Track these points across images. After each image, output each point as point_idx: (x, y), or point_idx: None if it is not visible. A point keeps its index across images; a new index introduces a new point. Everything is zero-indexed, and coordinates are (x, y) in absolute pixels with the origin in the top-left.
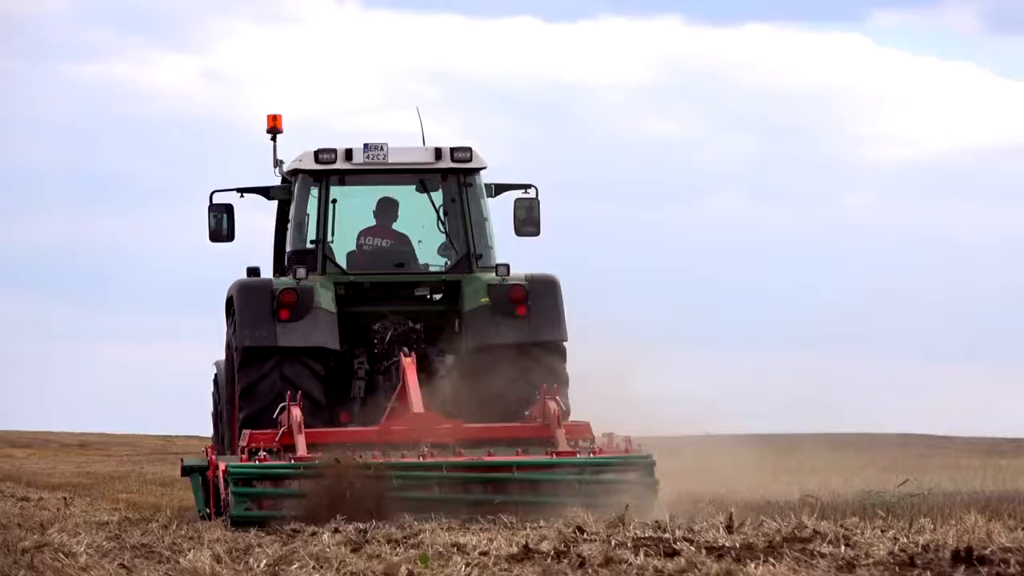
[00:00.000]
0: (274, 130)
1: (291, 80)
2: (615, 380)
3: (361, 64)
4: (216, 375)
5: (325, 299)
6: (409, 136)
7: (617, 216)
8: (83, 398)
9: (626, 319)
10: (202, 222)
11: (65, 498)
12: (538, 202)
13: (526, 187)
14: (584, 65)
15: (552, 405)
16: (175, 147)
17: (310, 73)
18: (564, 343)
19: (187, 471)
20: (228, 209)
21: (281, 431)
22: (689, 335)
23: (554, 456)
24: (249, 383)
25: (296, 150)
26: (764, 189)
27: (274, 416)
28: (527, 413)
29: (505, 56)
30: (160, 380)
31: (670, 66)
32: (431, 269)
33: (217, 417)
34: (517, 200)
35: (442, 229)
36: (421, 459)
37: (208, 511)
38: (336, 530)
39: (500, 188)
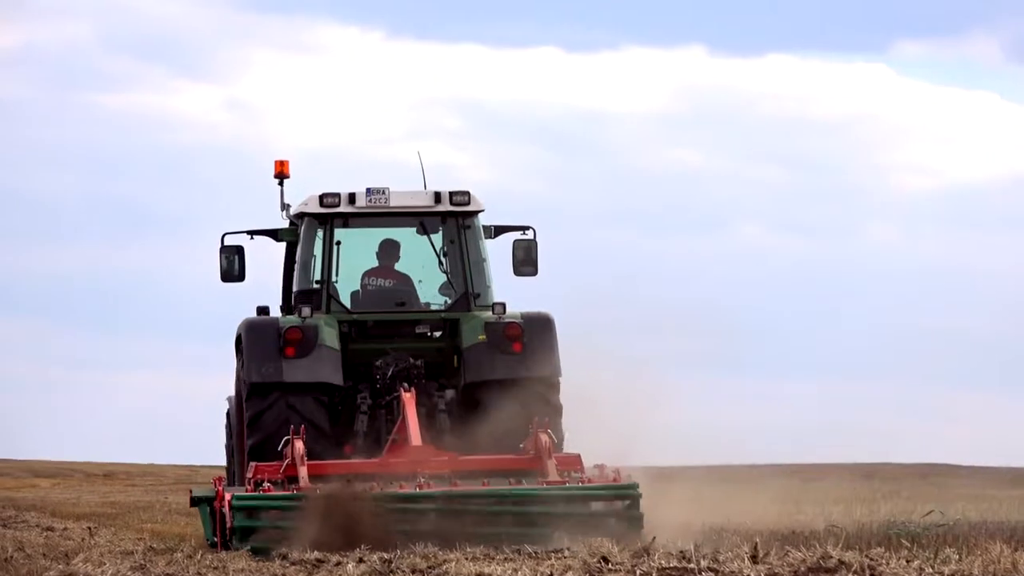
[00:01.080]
0: (281, 175)
1: (315, 109)
2: (637, 410)
3: (385, 93)
4: (228, 409)
5: (329, 337)
6: (434, 166)
7: (640, 245)
8: (108, 428)
9: (648, 349)
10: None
11: (90, 528)
12: (536, 243)
13: (524, 229)
14: (607, 94)
15: (543, 437)
16: (199, 176)
17: (334, 102)
18: (558, 378)
19: (196, 501)
20: (239, 251)
21: (285, 463)
22: (712, 365)
23: (543, 485)
24: (256, 417)
25: (316, 180)
26: (787, 219)
27: (279, 448)
28: (522, 445)
29: (528, 85)
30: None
31: (693, 96)
32: (432, 307)
33: (230, 450)
34: (516, 241)
35: (442, 269)
36: (417, 489)
37: (215, 540)
38: (361, 560)
39: (500, 229)
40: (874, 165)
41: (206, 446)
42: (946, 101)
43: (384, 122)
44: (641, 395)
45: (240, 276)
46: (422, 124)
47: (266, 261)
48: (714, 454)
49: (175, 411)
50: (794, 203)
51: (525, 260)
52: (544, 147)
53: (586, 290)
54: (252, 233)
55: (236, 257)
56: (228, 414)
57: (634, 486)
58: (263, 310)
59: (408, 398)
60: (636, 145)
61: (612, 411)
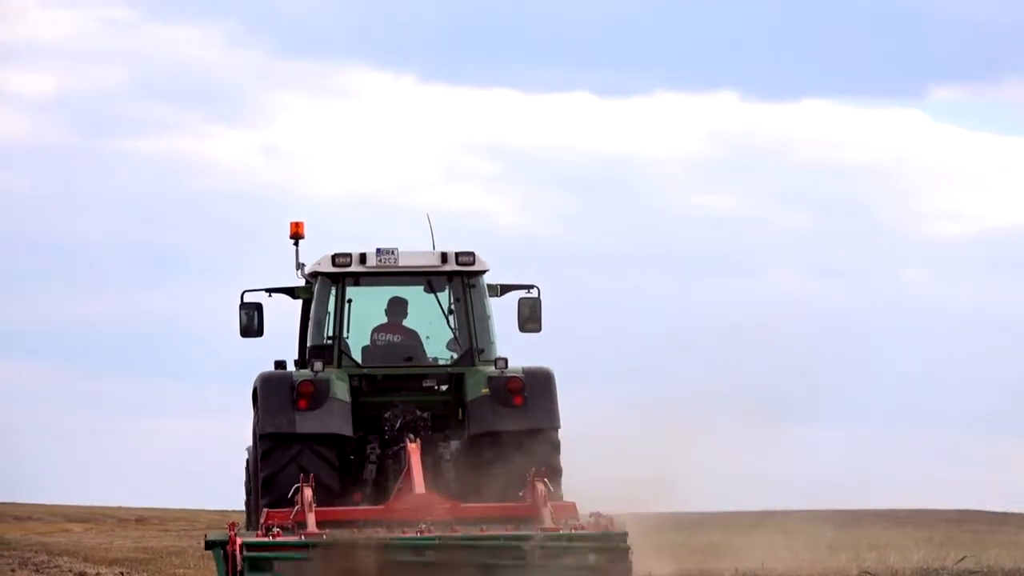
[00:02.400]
0: (296, 236)
1: (349, 154)
2: (666, 455)
3: (418, 138)
4: (247, 459)
5: (340, 390)
6: (467, 210)
7: (672, 289)
8: (140, 472)
9: (680, 393)
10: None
11: (123, 573)
12: (540, 301)
13: (529, 287)
14: (639, 139)
15: (540, 487)
16: (232, 221)
17: (368, 147)
18: (557, 429)
19: (210, 545)
20: (258, 307)
21: (295, 510)
22: (744, 411)
23: (537, 531)
24: (270, 467)
25: (348, 225)
26: (820, 264)
27: (289, 496)
28: (520, 494)
29: (561, 130)
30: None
31: (725, 141)
32: (439, 362)
33: (248, 496)
34: (521, 299)
35: (449, 326)
36: (418, 535)
37: None
38: None
39: (505, 288)
40: (908, 210)
41: (239, 491)
42: (981, 147)
43: (417, 167)
44: (671, 440)
45: (259, 332)
46: (455, 169)
47: (289, 315)
48: (745, 499)
49: (208, 455)
50: (827, 248)
51: (530, 317)
52: (576, 191)
53: (615, 331)
54: (270, 291)
55: (255, 313)
56: (247, 463)
57: (622, 535)
58: (280, 364)
59: (413, 448)
60: (668, 190)
61: (640, 456)
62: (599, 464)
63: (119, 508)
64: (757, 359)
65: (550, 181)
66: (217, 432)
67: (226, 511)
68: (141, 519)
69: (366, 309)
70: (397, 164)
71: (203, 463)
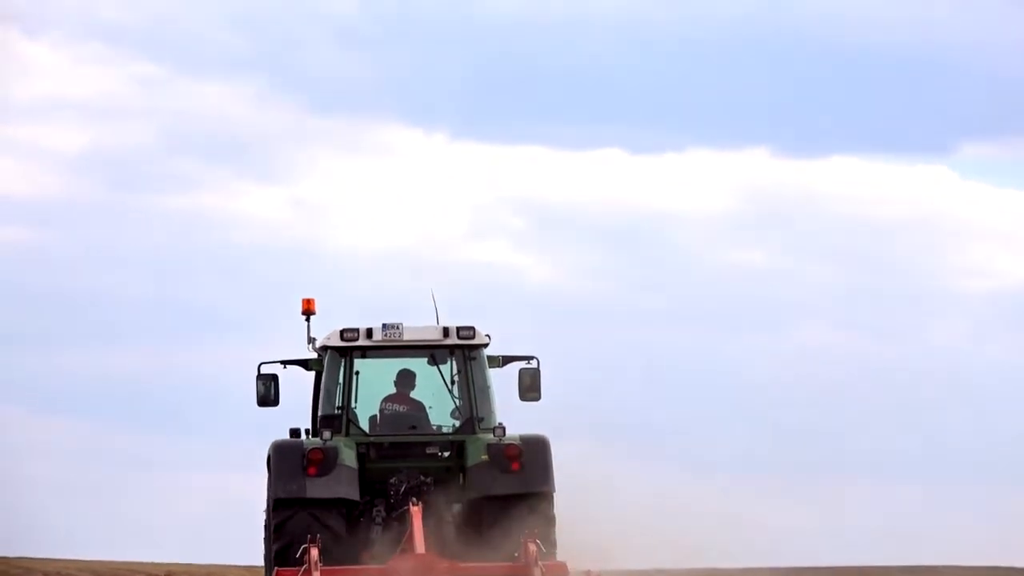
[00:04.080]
0: (308, 312)
1: (379, 210)
2: (701, 513)
3: (448, 194)
4: (264, 522)
5: (348, 457)
6: (496, 266)
7: (703, 345)
8: (168, 528)
9: (706, 449)
10: (281, 353)
11: None
12: (539, 372)
13: (529, 358)
14: (670, 196)
15: (532, 547)
16: (262, 277)
17: (398, 203)
18: (552, 493)
19: None
20: (274, 378)
21: (303, 569)
22: (770, 466)
23: None
24: (280, 526)
25: (378, 282)
26: (850, 320)
27: (296, 556)
28: (516, 554)
29: (592, 186)
30: (244, 510)
31: (756, 196)
32: (442, 430)
33: (266, 554)
34: (522, 370)
35: (451, 396)
36: None
37: None
38: None
39: (507, 359)
40: (937, 266)
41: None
42: (1009, 203)
43: (447, 223)
44: (691, 494)
45: (275, 402)
46: (485, 225)
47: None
48: (769, 554)
49: (235, 511)
50: (857, 304)
51: (530, 387)
52: (607, 247)
53: (647, 384)
54: (285, 363)
55: (271, 384)
56: (265, 525)
57: None
58: (295, 432)
59: (415, 511)
60: (700, 246)
61: (670, 513)
62: (620, 521)
63: (147, 564)
64: (786, 415)
65: (581, 237)
66: (245, 488)
67: (252, 566)
68: (169, 574)
69: (373, 380)
70: (426, 220)
71: (231, 519)
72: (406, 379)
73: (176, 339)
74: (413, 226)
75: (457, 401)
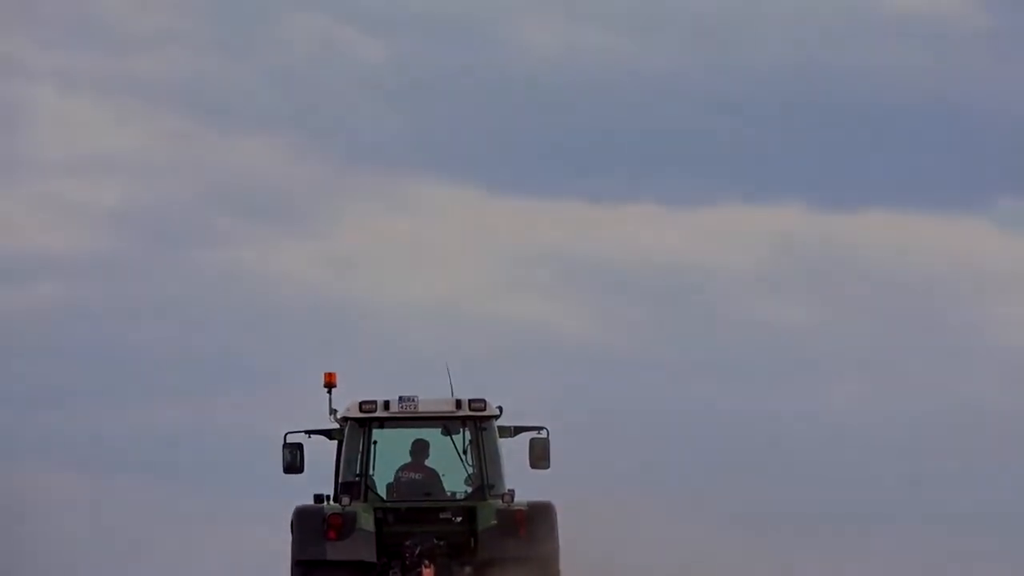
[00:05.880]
0: (330, 385)
1: (414, 265)
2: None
3: (484, 249)
4: None
5: (366, 522)
6: (529, 322)
7: (737, 401)
8: None
9: (738, 504)
10: (314, 411)
11: None
12: (548, 441)
13: (539, 428)
14: (704, 250)
15: None
16: (297, 332)
17: (433, 258)
18: (557, 555)
19: None
20: (299, 447)
21: None
22: (804, 523)
23: None
24: None
25: (412, 339)
26: (886, 376)
27: None
28: None
29: (626, 240)
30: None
31: (791, 251)
32: (455, 496)
33: None
34: (532, 440)
35: (463, 463)
36: None
37: None
38: None
39: (518, 429)
40: (974, 320)
41: None
42: None
43: (482, 277)
44: (718, 552)
45: (300, 469)
46: (519, 279)
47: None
48: None
49: (272, 565)
50: (892, 359)
51: (540, 456)
52: (641, 302)
53: (686, 440)
54: (310, 432)
55: (297, 453)
56: None
57: None
58: (319, 498)
59: (428, 573)
60: (734, 300)
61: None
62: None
63: None
64: (823, 474)
65: (614, 291)
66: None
67: None
68: None
69: (390, 449)
70: (463, 273)
71: (267, 573)
72: (421, 448)
73: (210, 393)
74: (449, 280)
75: (469, 469)
